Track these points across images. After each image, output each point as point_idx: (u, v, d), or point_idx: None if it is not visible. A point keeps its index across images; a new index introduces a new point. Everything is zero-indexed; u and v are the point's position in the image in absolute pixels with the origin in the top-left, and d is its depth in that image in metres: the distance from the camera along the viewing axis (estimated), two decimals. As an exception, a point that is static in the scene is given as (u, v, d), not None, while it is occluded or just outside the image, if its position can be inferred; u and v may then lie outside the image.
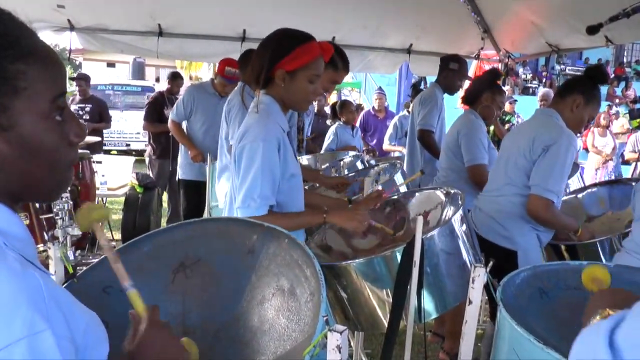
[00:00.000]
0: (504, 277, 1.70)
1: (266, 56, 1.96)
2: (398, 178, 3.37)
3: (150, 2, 4.94)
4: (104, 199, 5.93)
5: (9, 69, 0.76)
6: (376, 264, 2.03)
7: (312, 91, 2.02)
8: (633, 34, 4.10)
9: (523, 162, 2.70)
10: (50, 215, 3.56)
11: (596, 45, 4.44)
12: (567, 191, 3.50)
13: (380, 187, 3.14)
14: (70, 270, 1.62)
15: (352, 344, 3.03)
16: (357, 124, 7.12)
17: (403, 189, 3.27)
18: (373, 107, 7.77)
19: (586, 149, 10.00)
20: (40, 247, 3.55)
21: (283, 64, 1.94)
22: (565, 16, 4.23)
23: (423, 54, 5.99)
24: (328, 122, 7.10)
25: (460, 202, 2.26)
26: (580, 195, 3.40)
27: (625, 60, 26.83)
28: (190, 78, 19.54)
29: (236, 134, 2.04)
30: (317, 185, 3.41)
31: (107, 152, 12.19)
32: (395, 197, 2.83)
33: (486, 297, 2.81)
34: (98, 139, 6.56)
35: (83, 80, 7.46)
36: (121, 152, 13.24)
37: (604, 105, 15.17)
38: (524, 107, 11.87)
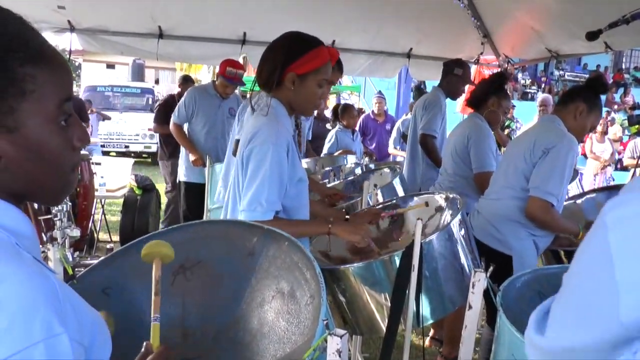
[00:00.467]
0: (500, 281, 1.69)
1: (278, 59, 1.95)
2: (396, 183, 3.36)
3: (151, 4, 4.94)
4: (103, 200, 5.92)
5: (18, 71, 0.76)
6: (375, 268, 2.03)
7: (320, 95, 2.02)
8: (632, 41, 4.12)
9: (522, 165, 2.70)
10: (49, 216, 3.55)
11: (595, 51, 4.44)
12: (567, 197, 3.50)
13: (379, 192, 3.15)
14: (70, 272, 1.62)
15: (350, 347, 3.03)
16: (357, 128, 7.12)
17: (401, 193, 3.28)
18: (372, 111, 7.77)
19: (584, 155, 10.03)
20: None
21: (294, 68, 1.94)
22: (565, 22, 4.24)
23: (423, 58, 5.99)
24: (328, 125, 7.10)
25: (459, 207, 2.26)
26: (579, 201, 3.40)
27: (624, 66, 26.87)
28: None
29: (243, 136, 2.02)
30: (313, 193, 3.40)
31: (106, 153, 12.19)
32: (394, 201, 2.84)
33: (484, 302, 2.80)
34: None
35: None
36: (120, 154, 13.22)
37: (603, 111, 15.17)
38: (523, 113, 11.92)
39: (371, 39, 5.65)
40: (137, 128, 14.06)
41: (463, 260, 2.11)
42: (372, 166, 4.90)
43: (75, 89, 7.68)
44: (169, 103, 6.42)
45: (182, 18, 5.21)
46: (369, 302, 2.03)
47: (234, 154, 3.50)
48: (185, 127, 5.09)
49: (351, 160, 5.27)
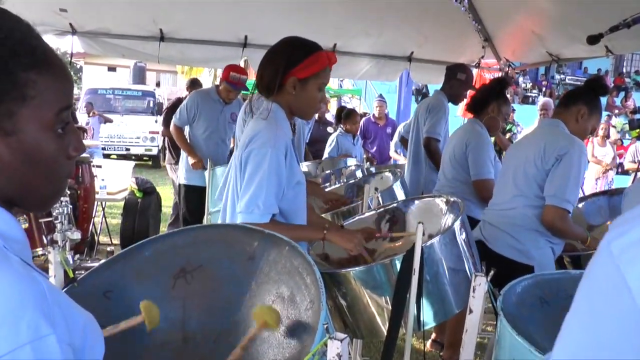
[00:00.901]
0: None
1: (279, 63, 1.97)
2: (397, 187, 3.36)
3: (153, 7, 4.95)
4: (103, 203, 5.92)
5: (21, 76, 0.77)
6: (376, 272, 2.03)
7: (320, 99, 2.06)
8: (633, 45, 4.12)
9: (534, 171, 2.65)
10: (50, 219, 3.56)
11: (596, 55, 4.45)
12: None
13: (379, 196, 3.15)
14: (71, 275, 1.62)
15: (350, 351, 3.03)
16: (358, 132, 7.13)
17: (402, 196, 3.27)
18: (373, 115, 7.78)
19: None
20: (40, 251, 3.59)
21: (295, 72, 1.96)
22: (566, 26, 4.25)
23: (424, 62, 6.00)
24: (329, 129, 7.12)
25: (460, 211, 2.26)
26: (580, 205, 3.39)
27: (624, 70, 26.90)
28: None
29: (242, 139, 2.04)
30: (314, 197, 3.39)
31: (107, 156, 12.20)
32: (395, 205, 2.83)
33: (489, 305, 2.78)
34: None
35: None
36: (121, 157, 13.23)
37: (603, 115, 15.22)
38: (524, 116, 11.93)
39: (372, 42, 5.65)
40: (138, 131, 14.09)
41: (464, 264, 2.11)
42: (372, 170, 4.90)
43: (76, 91, 7.68)
44: (177, 106, 6.42)
45: (183, 21, 5.22)
46: (369, 305, 2.03)
47: None
48: (187, 130, 5.10)
49: (351, 162, 5.27)
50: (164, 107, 15.20)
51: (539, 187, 2.64)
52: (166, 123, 6.27)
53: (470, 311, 1.77)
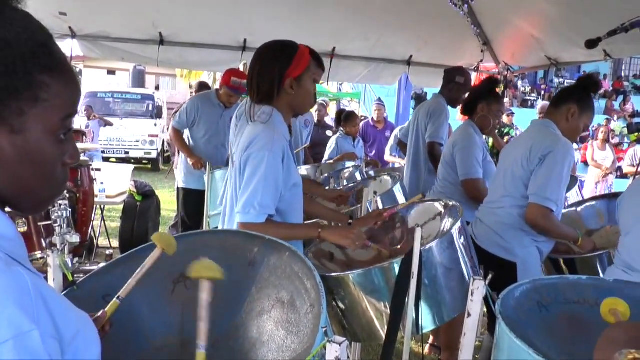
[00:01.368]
0: (503, 289, 1.69)
1: (274, 70, 2.05)
2: (397, 190, 3.36)
3: (152, 10, 4.96)
4: (103, 206, 5.92)
5: (36, 78, 0.80)
6: (374, 275, 2.03)
7: (314, 90, 2.16)
8: (631, 49, 4.13)
9: (520, 172, 2.70)
10: (49, 222, 3.56)
11: (595, 59, 4.46)
12: (566, 204, 3.50)
13: (379, 199, 3.15)
14: (70, 278, 1.62)
15: (349, 354, 3.02)
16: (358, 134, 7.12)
17: (402, 200, 3.27)
18: (372, 118, 7.78)
19: (585, 163, 10.02)
20: (39, 254, 3.58)
21: (290, 73, 2.05)
22: (564, 30, 4.26)
23: (423, 65, 6.02)
24: (329, 132, 7.12)
25: (458, 215, 2.26)
26: (579, 209, 3.40)
27: (623, 74, 26.92)
28: (190, 87, 19.58)
29: (240, 143, 2.09)
30: (316, 197, 3.41)
31: (106, 159, 12.20)
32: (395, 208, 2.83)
33: (484, 309, 2.80)
34: None
35: None
36: (120, 160, 13.23)
37: (602, 119, 15.23)
38: (523, 120, 11.93)
39: (371, 46, 5.67)
40: (137, 134, 14.08)
41: (463, 268, 2.11)
42: (372, 173, 4.90)
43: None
44: None
45: (182, 25, 5.23)
46: (368, 309, 2.03)
47: None
48: (187, 134, 5.10)
49: (349, 163, 5.26)
50: (164, 110, 15.23)
51: (525, 187, 2.69)
52: None
53: (469, 315, 1.77)
